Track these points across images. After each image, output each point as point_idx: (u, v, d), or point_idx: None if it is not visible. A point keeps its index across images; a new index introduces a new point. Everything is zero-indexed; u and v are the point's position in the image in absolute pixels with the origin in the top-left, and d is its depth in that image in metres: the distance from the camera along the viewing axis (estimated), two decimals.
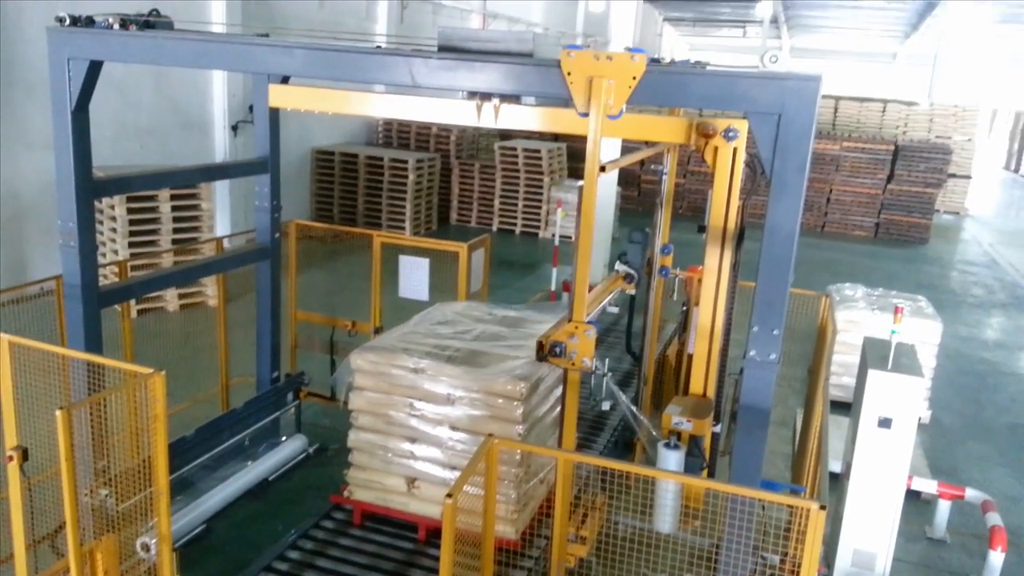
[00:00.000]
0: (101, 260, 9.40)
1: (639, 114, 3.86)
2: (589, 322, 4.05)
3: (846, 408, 6.54)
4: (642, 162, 20.44)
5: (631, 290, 5.71)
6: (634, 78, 3.64)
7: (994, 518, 5.85)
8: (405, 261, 7.28)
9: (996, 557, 5.60)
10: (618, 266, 5.58)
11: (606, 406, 5.25)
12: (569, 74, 3.70)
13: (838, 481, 5.70)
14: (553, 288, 11.46)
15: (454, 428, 5.03)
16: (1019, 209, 29.65)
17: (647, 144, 6.49)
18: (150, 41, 4.58)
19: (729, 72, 3.67)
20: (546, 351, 4.04)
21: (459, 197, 18.12)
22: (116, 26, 4.60)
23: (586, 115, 3.72)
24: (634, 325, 6.71)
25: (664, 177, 6.07)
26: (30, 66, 10.12)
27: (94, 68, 4.75)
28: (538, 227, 17.48)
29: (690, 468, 4.30)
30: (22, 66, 10.12)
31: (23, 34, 10.08)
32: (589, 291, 4.18)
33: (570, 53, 3.68)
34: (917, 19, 31.30)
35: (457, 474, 4.77)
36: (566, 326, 4.04)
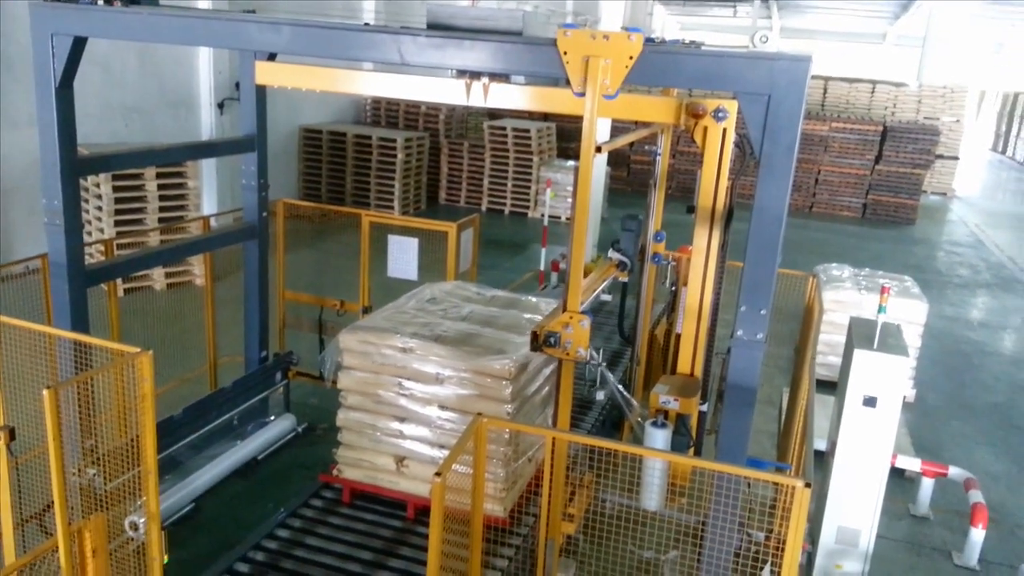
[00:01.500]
0: (87, 239, 9.34)
1: (629, 94, 3.85)
2: (583, 312, 4.06)
3: (832, 387, 6.59)
4: (631, 143, 20.36)
5: (624, 278, 5.72)
6: (631, 58, 3.62)
7: (976, 496, 5.93)
8: (394, 240, 7.27)
9: (977, 534, 5.69)
10: (611, 253, 5.58)
11: (600, 396, 5.28)
12: (565, 53, 3.67)
13: (823, 459, 5.76)
14: (542, 268, 11.46)
15: (443, 407, 5.05)
16: (1006, 190, 29.81)
17: (637, 124, 6.48)
18: (135, 17, 4.52)
19: (719, 52, 3.66)
20: (541, 341, 4.05)
21: (448, 176, 18.05)
22: (100, 2, 4.54)
23: (582, 95, 3.70)
24: (627, 306, 6.73)
25: (658, 158, 6.06)
26: (13, 42, 9.98)
27: (78, 44, 4.69)
28: (527, 207, 17.45)
29: (677, 446, 4.33)
30: (5, 42, 9.98)
31: (5, 10, 9.93)
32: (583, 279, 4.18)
33: (567, 32, 3.65)
34: (907, 0, 31.26)
35: (446, 453, 4.79)
36: (561, 316, 4.04)
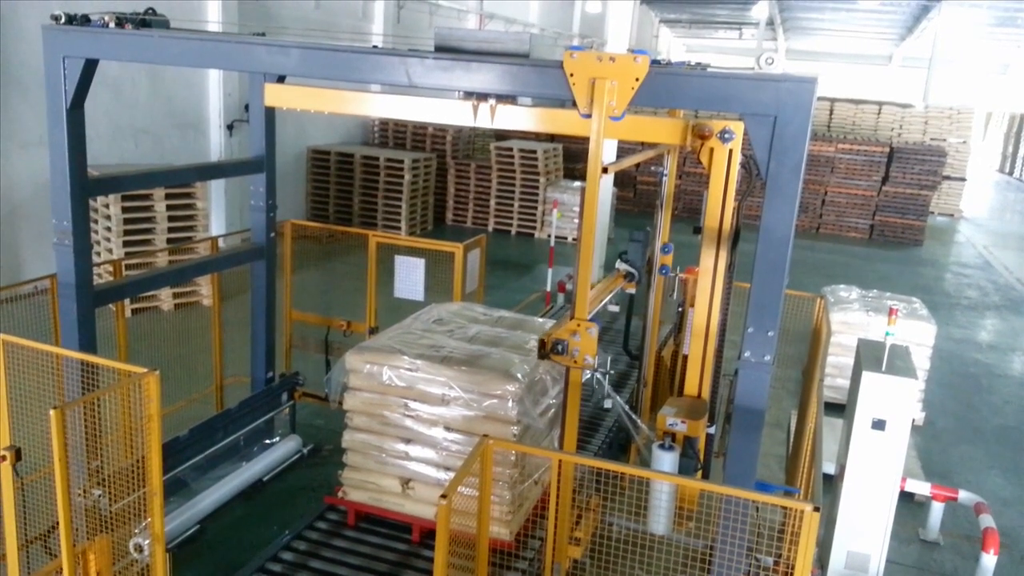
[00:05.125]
0: (96, 259, 9.40)
1: (635, 115, 3.86)
2: (591, 320, 4.05)
3: (840, 410, 6.55)
4: (637, 164, 20.45)
5: (631, 289, 5.71)
6: (637, 79, 3.65)
7: (987, 520, 5.86)
8: (401, 261, 7.27)
9: (989, 559, 5.61)
10: (619, 264, 5.58)
11: (608, 404, 5.26)
12: (572, 75, 3.70)
13: (832, 483, 5.70)
14: (549, 289, 11.46)
15: (449, 429, 5.03)
16: (1013, 212, 29.75)
17: (644, 145, 6.50)
18: (146, 40, 4.57)
19: (725, 74, 3.67)
20: (548, 349, 4.04)
21: (455, 197, 18.12)
22: (112, 25, 4.59)
23: (588, 116, 3.72)
24: (632, 325, 6.71)
25: (664, 179, 6.08)
26: (25, 64, 10.09)
27: (89, 67, 4.74)
28: (534, 227, 17.48)
29: (684, 469, 4.31)
30: (17, 64, 10.09)
31: (18, 32, 10.05)
32: (590, 289, 4.18)
33: (573, 54, 3.67)
34: (912, 22, 31.42)
35: (451, 475, 4.77)
36: (568, 323, 4.04)
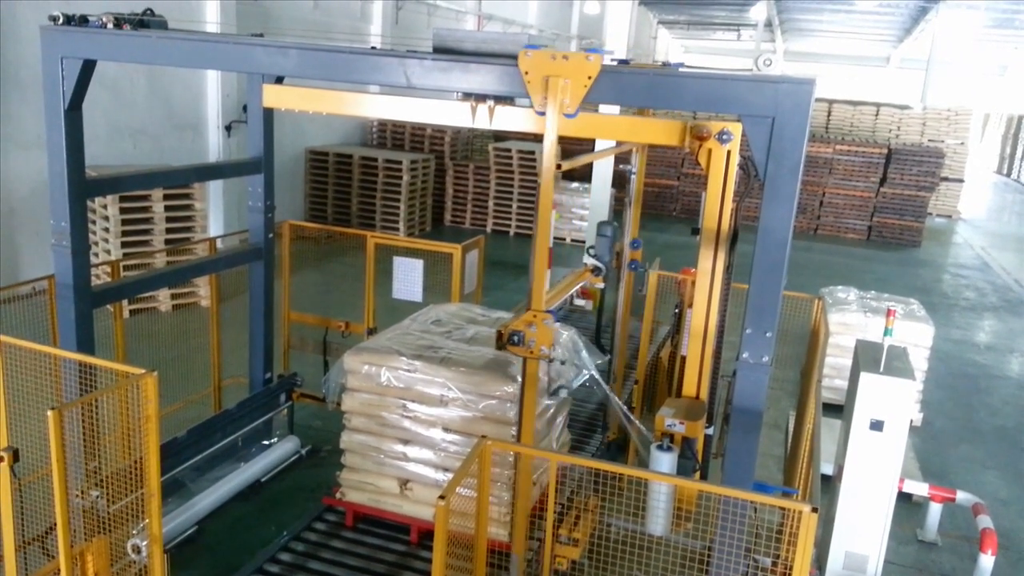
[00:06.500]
0: (94, 260, 9.39)
1: (633, 116, 3.87)
2: (549, 312, 4.09)
3: (838, 410, 6.55)
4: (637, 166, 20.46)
5: (599, 283, 5.73)
6: (589, 78, 3.70)
7: (985, 521, 5.87)
8: (399, 262, 7.27)
9: (987, 560, 5.62)
10: (586, 259, 5.59)
11: (564, 394, 5.28)
12: (527, 73, 3.75)
13: (830, 483, 5.71)
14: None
15: (447, 429, 5.03)
16: (1011, 212, 29.78)
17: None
18: (144, 40, 4.57)
19: (723, 75, 3.67)
20: (505, 340, 4.07)
21: (453, 198, 18.11)
22: (110, 25, 4.58)
23: (543, 114, 3.77)
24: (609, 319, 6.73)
25: (632, 176, 6.10)
26: (23, 65, 10.08)
27: (87, 67, 4.73)
28: (532, 228, 17.46)
29: (682, 470, 4.31)
30: (15, 65, 10.08)
31: (17, 33, 10.05)
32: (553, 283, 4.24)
33: (528, 52, 3.73)
34: (910, 23, 31.45)
35: (450, 476, 4.77)
36: (524, 315, 4.07)
